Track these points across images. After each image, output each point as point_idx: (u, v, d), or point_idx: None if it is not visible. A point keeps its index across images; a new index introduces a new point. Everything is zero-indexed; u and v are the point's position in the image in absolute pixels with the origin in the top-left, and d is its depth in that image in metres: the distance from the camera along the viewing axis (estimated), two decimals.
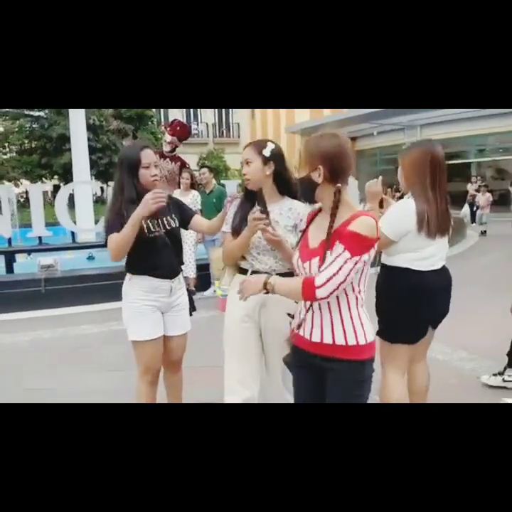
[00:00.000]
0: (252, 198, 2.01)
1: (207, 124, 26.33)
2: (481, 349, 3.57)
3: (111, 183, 8.88)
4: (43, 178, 18.44)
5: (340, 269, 1.41)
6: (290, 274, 1.87)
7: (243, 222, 1.94)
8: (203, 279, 5.65)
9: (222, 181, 8.43)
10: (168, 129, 5.79)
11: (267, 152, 1.97)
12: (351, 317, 1.51)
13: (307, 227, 1.67)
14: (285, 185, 2.03)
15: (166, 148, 5.68)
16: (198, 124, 25.77)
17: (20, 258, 7.04)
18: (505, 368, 3.00)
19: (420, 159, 2.08)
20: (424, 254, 2.09)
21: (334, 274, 1.41)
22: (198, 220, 2.43)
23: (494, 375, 3.04)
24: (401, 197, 3.09)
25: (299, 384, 1.69)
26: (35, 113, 18.82)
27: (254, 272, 1.97)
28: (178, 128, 5.71)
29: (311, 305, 1.56)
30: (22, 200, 15.50)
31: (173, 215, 2.32)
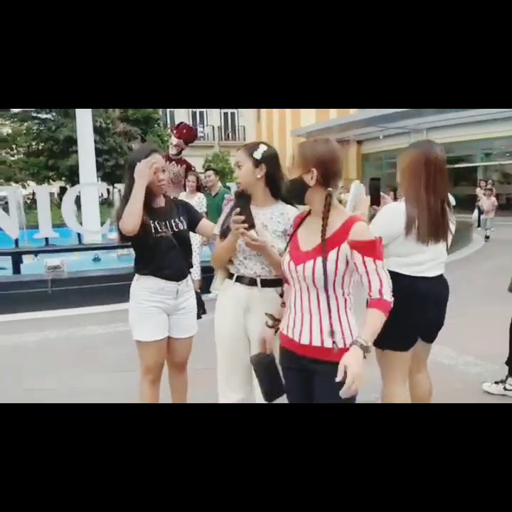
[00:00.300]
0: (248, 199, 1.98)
1: (213, 126, 26.41)
2: (486, 354, 3.55)
3: (117, 185, 8.92)
4: (50, 180, 18.57)
5: (382, 276, 1.51)
6: (277, 280, 1.87)
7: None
8: (208, 281, 5.66)
9: (227, 184, 8.46)
10: (175, 131, 5.82)
11: (257, 155, 1.91)
12: (340, 320, 1.55)
13: (295, 230, 1.69)
14: (278, 188, 1.96)
15: (172, 151, 5.70)
16: (203, 127, 25.86)
17: (27, 259, 7.09)
18: (507, 377, 2.99)
19: (415, 161, 2.00)
20: (415, 260, 2.01)
21: (385, 282, 1.51)
22: (205, 223, 2.43)
23: (496, 383, 3.03)
24: None
25: (288, 385, 1.73)
26: (43, 115, 18.97)
27: (239, 277, 1.94)
28: (184, 131, 5.74)
29: (302, 308, 1.59)
30: (29, 201, 15.60)
31: (182, 218, 2.33)
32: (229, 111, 26.84)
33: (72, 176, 16.51)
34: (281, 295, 1.83)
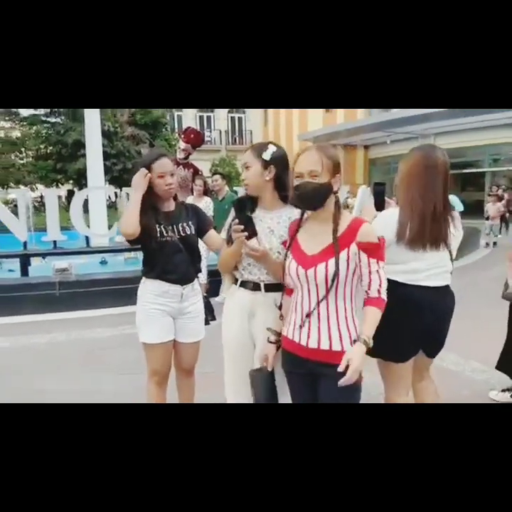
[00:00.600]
0: (251, 204, 1.91)
1: (220, 131, 26.51)
2: (493, 360, 3.52)
3: (125, 189, 8.97)
4: (58, 183, 18.72)
5: (382, 276, 1.61)
6: (281, 285, 1.85)
7: None
8: (215, 284, 5.67)
9: (234, 188, 8.48)
10: (182, 136, 5.86)
11: (266, 155, 1.82)
12: (347, 324, 1.59)
13: (294, 236, 1.70)
14: (288, 192, 1.87)
15: (180, 156, 5.74)
16: (211, 131, 25.96)
17: (35, 262, 7.15)
18: None
19: (413, 165, 1.93)
20: (411, 268, 1.94)
21: (383, 281, 1.61)
22: (212, 234, 2.38)
23: (503, 390, 3.01)
24: None
25: (293, 389, 1.74)
26: (52, 119, 19.15)
27: (243, 282, 1.92)
28: (192, 135, 5.78)
29: (310, 312, 1.60)
30: (37, 204, 15.74)
31: (190, 222, 2.33)
32: (236, 115, 26.94)
33: (80, 179, 16.63)
34: (280, 308, 1.80)
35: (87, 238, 7.31)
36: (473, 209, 13.50)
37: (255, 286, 1.89)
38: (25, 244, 6.66)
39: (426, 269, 1.95)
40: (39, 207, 13.88)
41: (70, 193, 15.87)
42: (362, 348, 1.50)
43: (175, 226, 2.28)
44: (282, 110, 24.27)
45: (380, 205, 2.15)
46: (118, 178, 17.42)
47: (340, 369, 1.45)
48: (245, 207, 1.83)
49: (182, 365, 2.45)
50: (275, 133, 25.08)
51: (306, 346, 1.60)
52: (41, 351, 4.20)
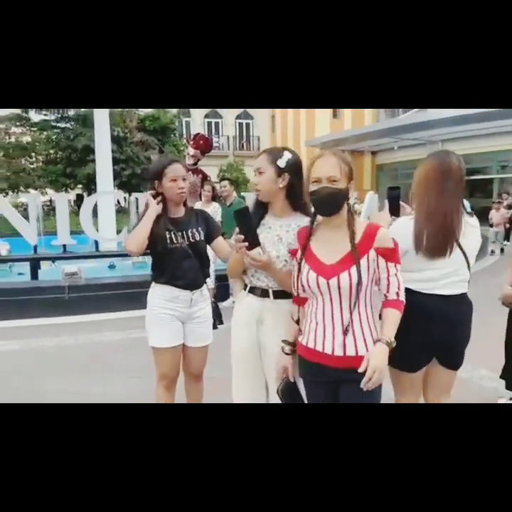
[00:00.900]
0: (261, 210, 1.89)
1: (228, 136, 26.64)
2: (501, 368, 3.51)
3: (134, 194, 9.04)
4: (68, 188, 18.89)
5: (400, 278, 1.63)
6: (287, 292, 1.83)
7: None
8: (222, 289, 5.70)
9: (242, 193, 8.52)
10: (192, 142, 5.92)
11: (282, 162, 1.78)
12: (370, 328, 1.59)
13: (307, 244, 1.65)
14: (299, 200, 1.85)
15: (189, 162, 5.79)
16: (219, 137, 26.09)
17: (44, 265, 7.21)
18: None
19: (429, 171, 1.91)
20: (427, 276, 1.91)
21: (401, 284, 1.64)
22: (220, 242, 2.40)
23: (511, 398, 2.99)
24: None
25: (315, 397, 1.71)
26: (62, 125, 19.36)
27: (252, 288, 1.90)
28: (201, 142, 5.84)
29: (333, 320, 1.58)
30: (46, 208, 15.89)
31: (200, 228, 2.36)
32: (244, 121, 27.06)
33: (89, 184, 16.77)
34: (298, 322, 1.76)
35: (96, 242, 7.37)
36: (481, 216, 13.35)
37: (264, 293, 1.88)
38: (35, 248, 6.72)
39: (441, 277, 1.91)
40: (48, 211, 14.00)
41: (79, 198, 16.00)
42: (383, 348, 1.51)
43: (184, 232, 2.31)
44: (290, 116, 24.35)
45: (395, 210, 2.10)
46: (127, 182, 17.54)
47: (360, 370, 1.46)
48: (246, 216, 1.77)
49: (191, 369, 2.46)
50: (283, 139, 25.15)
51: (331, 354, 1.58)
52: (50, 354, 4.24)
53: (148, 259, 2.46)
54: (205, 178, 5.88)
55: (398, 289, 1.61)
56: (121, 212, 11.43)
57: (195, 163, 5.84)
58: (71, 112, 18.96)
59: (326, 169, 1.54)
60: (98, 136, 9.64)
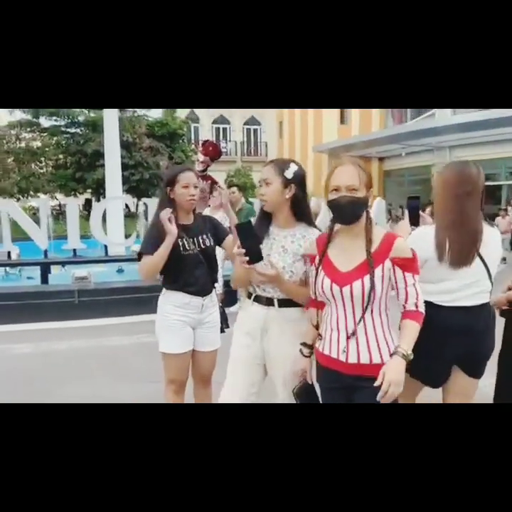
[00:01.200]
0: (266, 220, 1.90)
1: (235, 142, 26.77)
2: None
3: (144, 199, 9.12)
4: (77, 192, 19.05)
5: (418, 289, 1.62)
6: (291, 301, 1.84)
7: None
8: (230, 294, 5.72)
9: (250, 199, 8.56)
10: (201, 149, 5.97)
11: (289, 174, 1.80)
12: (385, 336, 1.59)
13: (325, 251, 1.66)
14: (303, 210, 1.88)
15: (198, 168, 5.84)
16: (226, 143, 26.23)
17: (54, 270, 7.29)
18: None
19: (447, 181, 1.90)
20: (446, 287, 1.89)
21: (420, 295, 1.62)
22: (230, 239, 2.45)
23: None
24: None
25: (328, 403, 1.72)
26: (72, 130, 19.56)
27: (257, 297, 1.91)
28: (210, 148, 5.87)
29: (346, 328, 1.59)
30: (55, 212, 16.02)
31: (209, 234, 2.40)
32: (252, 127, 27.18)
33: (99, 189, 16.90)
34: (317, 327, 1.76)
35: (105, 247, 7.44)
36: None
37: (268, 301, 1.89)
38: (45, 252, 6.78)
39: (461, 288, 1.89)
40: (57, 215, 14.13)
41: (88, 202, 16.13)
42: (399, 361, 1.50)
43: (195, 239, 2.35)
44: (297, 122, 24.41)
45: (414, 220, 2.08)
46: (136, 187, 17.67)
47: (376, 384, 1.45)
48: (249, 230, 1.76)
49: (200, 372, 2.49)
50: (290, 145, 25.22)
51: (345, 362, 1.59)
52: (60, 358, 4.28)
53: None
54: (214, 184, 5.93)
55: (417, 299, 1.60)
56: (130, 216, 11.50)
57: (205, 170, 5.89)
58: (81, 118, 19.17)
59: (346, 178, 1.55)
60: (107, 142, 9.74)
